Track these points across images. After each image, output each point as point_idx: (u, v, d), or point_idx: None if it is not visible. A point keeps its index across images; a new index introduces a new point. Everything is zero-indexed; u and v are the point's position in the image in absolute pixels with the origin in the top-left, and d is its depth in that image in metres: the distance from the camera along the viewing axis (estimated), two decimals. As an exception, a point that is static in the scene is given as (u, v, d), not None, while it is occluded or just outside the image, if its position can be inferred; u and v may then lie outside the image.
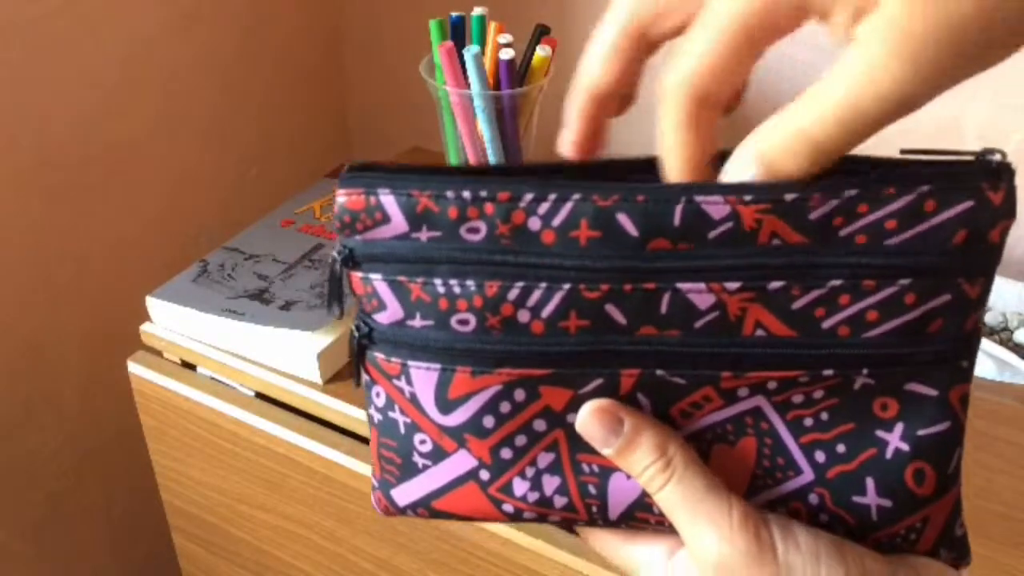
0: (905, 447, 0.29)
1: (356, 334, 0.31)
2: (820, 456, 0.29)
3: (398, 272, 0.30)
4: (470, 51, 0.72)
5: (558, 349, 0.29)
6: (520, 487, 0.32)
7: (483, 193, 0.28)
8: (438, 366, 0.30)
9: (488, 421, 0.31)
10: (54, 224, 0.80)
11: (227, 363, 0.67)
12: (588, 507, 0.31)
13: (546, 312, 0.29)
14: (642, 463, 0.29)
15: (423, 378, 0.31)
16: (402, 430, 0.32)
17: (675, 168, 0.28)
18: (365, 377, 0.33)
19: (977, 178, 0.27)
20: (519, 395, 0.30)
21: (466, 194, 0.28)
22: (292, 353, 0.63)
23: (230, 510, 0.73)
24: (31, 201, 0.77)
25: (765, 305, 0.28)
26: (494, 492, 0.32)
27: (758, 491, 0.30)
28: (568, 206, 0.28)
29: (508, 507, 0.32)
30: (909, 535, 0.30)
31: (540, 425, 0.31)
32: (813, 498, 0.30)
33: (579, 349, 0.29)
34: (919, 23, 0.23)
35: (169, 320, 0.68)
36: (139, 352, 0.71)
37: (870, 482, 0.29)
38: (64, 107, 0.78)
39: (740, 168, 0.27)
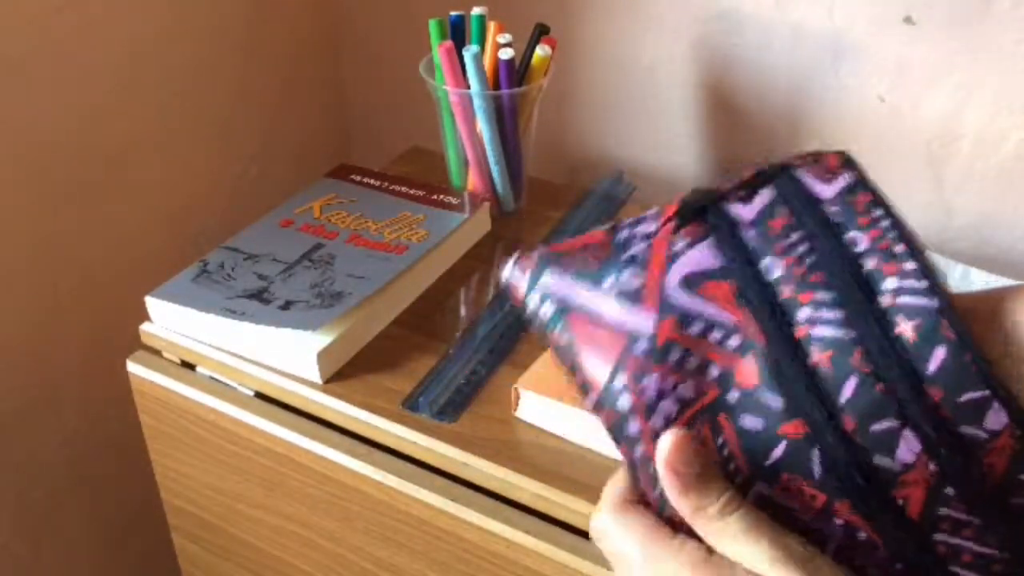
0: None
1: (698, 193, 0.33)
2: None
3: (788, 201, 0.32)
4: (469, 51, 0.72)
5: (789, 355, 0.30)
6: (649, 382, 0.32)
7: (893, 232, 0.31)
8: (722, 263, 0.32)
9: (696, 327, 0.31)
10: (54, 224, 0.80)
11: (227, 363, 0.67)
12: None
13: (818, 330, 0.30)
14: (717, 489, 0.30)
15: (701, 256, 0.32)
16: (626, 256, 0.33)
17: None
18: (652, 211, 0.34)
19: None
20: (733, 340, 0.31)
21: (884, 222, 0.31)
22: (292, 353, 0.63)
23: (229, 510, 0.73)
24: (31, 200, 0.77)
25: (929, 491, 0.29)
26: (632, 361, 0.32)
27: None
28: (923, 302, 0.29)
29: (620, 381, 0.32)
30: None
31: (713, 371, 0.31)
32: None
33: (796, 373, 0.30)
34: None
35: (169, 320, 0.68)
36: (139, 352, 0.71)
37: None
38: (64, 107, 0.78)
39: None
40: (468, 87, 0.74)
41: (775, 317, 0.30)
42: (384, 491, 0.61)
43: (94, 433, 0.89)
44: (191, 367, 0.69)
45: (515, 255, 0.35)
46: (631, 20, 0.85)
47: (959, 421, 0.28)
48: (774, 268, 0.31)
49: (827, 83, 0.80)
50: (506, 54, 0.74)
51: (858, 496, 0.29)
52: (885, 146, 0.79)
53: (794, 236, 0.31)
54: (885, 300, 0.29)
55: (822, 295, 0.30)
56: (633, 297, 0.32)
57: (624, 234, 0.34)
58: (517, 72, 0.76)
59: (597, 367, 0.32)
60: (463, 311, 0.72)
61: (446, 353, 0.66)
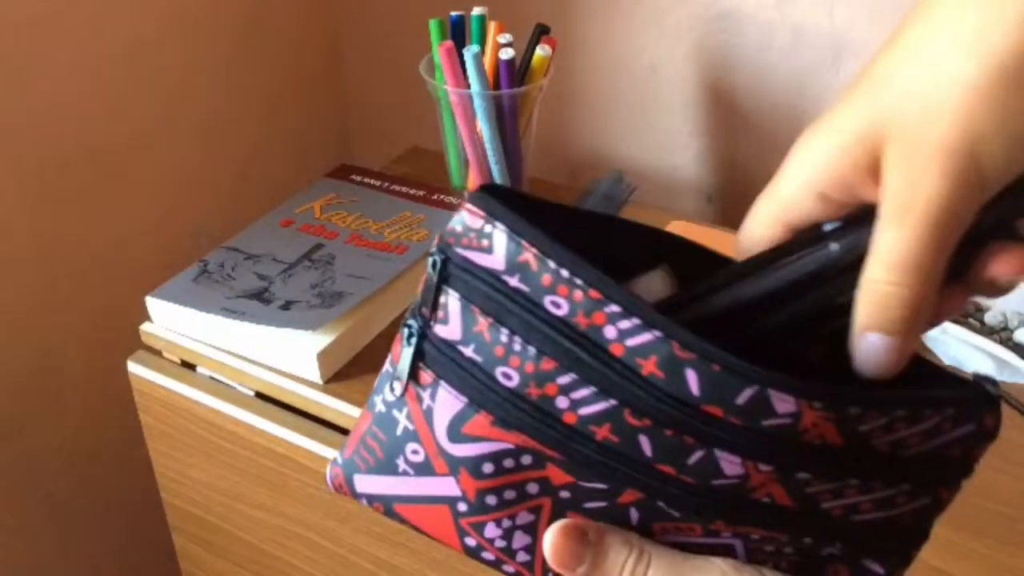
0: None
1: (411, 330, 0.32)
2: None
3: (476, 301, 0.31)
4: (470, 51, 0.72)
5: (579, 447, 0.30)
6: (491, 531, 0.32)
7: (579, 280, 0.29)
8: (466, 400, 0.31)
9: (487, 467, 0.31)
10: (54, 224, 0.80)
11: (227, 363, 0.67)
12: (545, 572, 0.32)
13: (584, 411, 0.29)
14: (618, 561, 0.30)
15: (447, 401, 0.31)
16: (399, 432, 0.33)
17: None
18: (387, 368, 0.33)
19: (982, 406, 0.30)
20: (526, 459, 0.31)
21: (564, 272, 0.29)
22: (292, 353, 0.63)
23: (230, 510, 0.73)
24: (31, 201, 0.77)
25: (783, 484, 0.29)
26: (465, 524, 0.32)
27: None
28: (647, 336, 0.28)
29: (471, 541, 0.33)
30: None
31: (533, 488, 0.31)
32: None
33: (597, 457, 0.30)
34: None
35: (169, 320, 0.68)
36: (139, 352, 0.71)
37: None
38: (64, 107, 0.78)
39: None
40: (468, 87, 0.74)
41: (542, 420, 0.30)
42: (384, 491, 0.61)
43: (94, 433, 0.89)
44: (191, 367, 0.69)
45: (327, 471, 0.36)
46: (631, 20, 0.85)
47: (755, 421, 0.28)
48: (509, 375, 0.30)
49: (827, 83, 0.80)
50: (506, 54, 0.74)
51: (724, 516, 0.30)
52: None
53: (503, 333, 0.30)
54: (616, 350, 0.29)
55: (564, 379, 0.29)
56: (426, 469, 0.32)
57: (380, 407, 0.33)
58: (517, 72, 0.76)
59: (446, 538, 0.33)
60: (463, 311, 0.72)
61: (446, 353, 0.66)
